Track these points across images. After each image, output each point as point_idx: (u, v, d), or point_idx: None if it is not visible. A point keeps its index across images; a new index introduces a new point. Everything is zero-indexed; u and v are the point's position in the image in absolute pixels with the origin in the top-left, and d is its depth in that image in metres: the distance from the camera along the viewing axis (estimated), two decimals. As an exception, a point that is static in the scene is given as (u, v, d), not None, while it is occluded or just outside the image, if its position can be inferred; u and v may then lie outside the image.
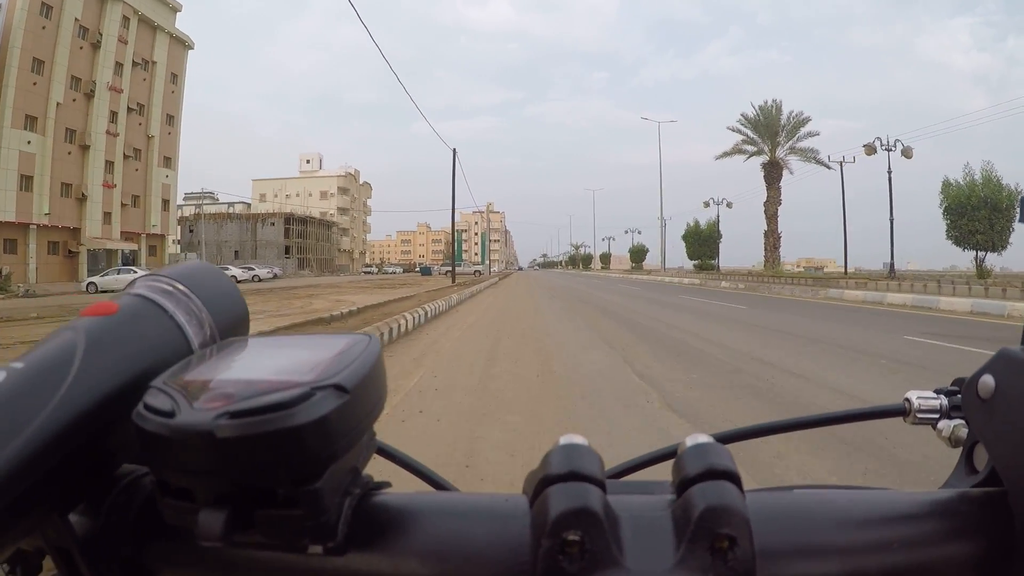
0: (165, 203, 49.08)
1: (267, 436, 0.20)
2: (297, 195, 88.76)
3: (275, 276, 51.28)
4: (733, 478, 0.23)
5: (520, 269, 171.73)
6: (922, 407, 0.35)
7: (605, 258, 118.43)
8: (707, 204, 48.40)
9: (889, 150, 26.68)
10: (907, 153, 26.57)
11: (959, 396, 0.34)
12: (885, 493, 0.28)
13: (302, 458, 0.21)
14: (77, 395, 0.23)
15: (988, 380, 0.29)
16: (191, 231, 70.62)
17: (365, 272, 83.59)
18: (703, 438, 0.25)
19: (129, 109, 44.22)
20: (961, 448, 0.33)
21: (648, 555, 0.22)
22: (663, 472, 0.28)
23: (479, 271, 60.98)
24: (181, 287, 0.30)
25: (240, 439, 0.20)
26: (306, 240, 73.58)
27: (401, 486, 0.27)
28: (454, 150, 28.09)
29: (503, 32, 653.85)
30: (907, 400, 0.36)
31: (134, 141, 45.17)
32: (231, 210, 74.82)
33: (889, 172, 26.31)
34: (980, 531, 0.26)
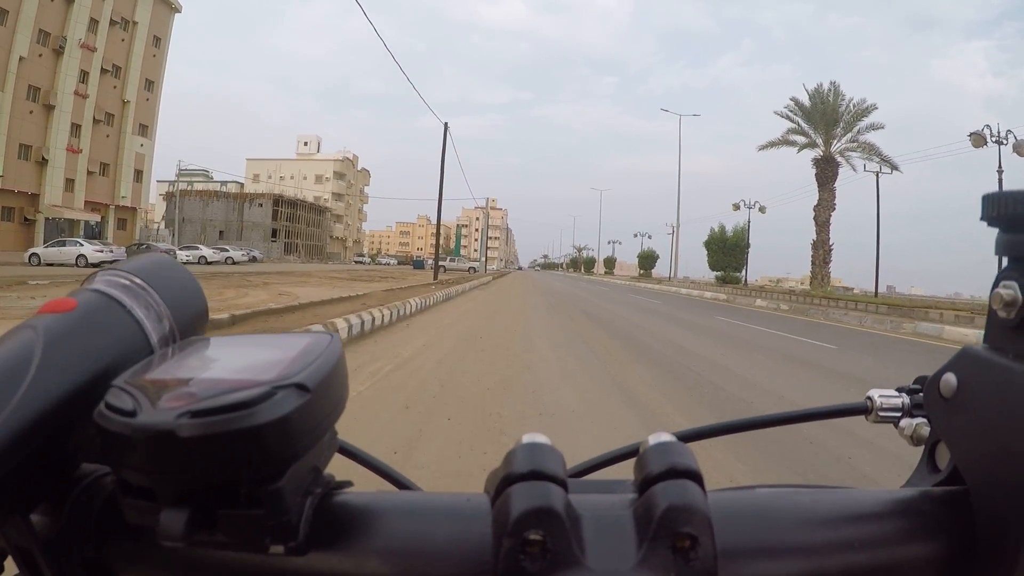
0: (139, 174, 45.64)
1: (229, 435, 0.20)
2: (291, 177, 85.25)
3: (253, 259, 47.84)
4: (695, 477, 0.23)
5: (519, 269, 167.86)
6: (884, 405, 0.35)
7: (610, 263, 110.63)
8: (737, 207, 41.20)
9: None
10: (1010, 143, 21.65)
11: (921, 395, 0.34)
12: (848, 492, 0.28)
13: (264, 457, 0.21)
14: (36, 395, 0.23)
15: (950, 378, 0.29)
16: (177, 208, 67.31)
17: (356, 262, 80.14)
18: (665, 437, 0.25)
19: (103, 70, 40.74)
20: (923, 447, 0.33)
21: (610, 554, 0.22)
22: (626, 471, 0.28)
23: (473, 268, 57.05)
24: (139, 281, 0.29)
25: (202, 438, 0.20)
26: (295, 224, 70.07)
27: (363, 485, 0.27)
28: (445, 124, 24.67)
29: (514, 31, 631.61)
30: (869, 398, 0.35)
31: (106, 104, 41.69)
32: (225, 188, 71.13)
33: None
34: (942, 530, 0.26)
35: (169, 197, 68.41)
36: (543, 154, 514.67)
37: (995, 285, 0.27)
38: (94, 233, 42.08)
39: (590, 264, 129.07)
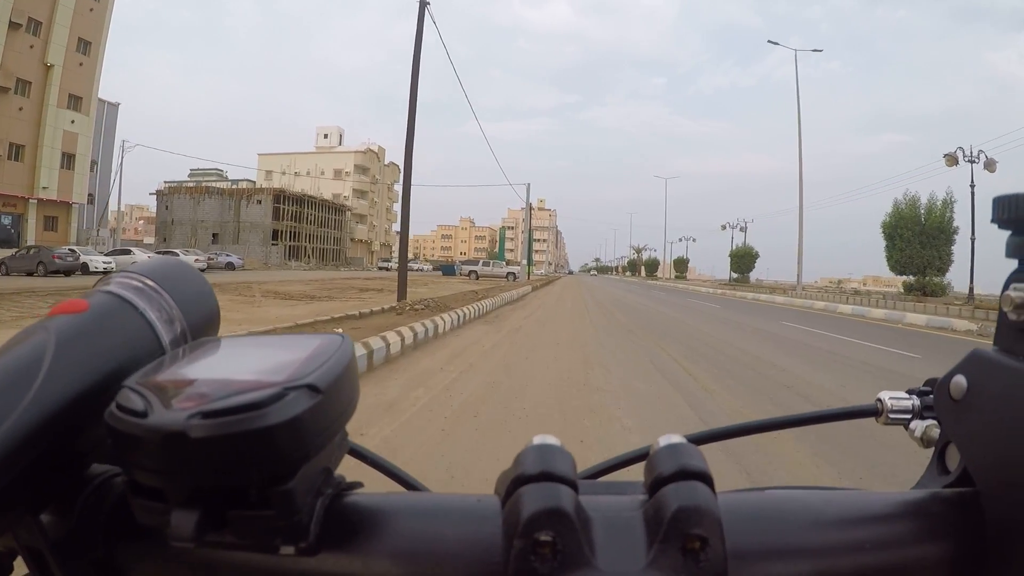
0: (69, 159, 35.41)
1: (240, 436, 0.20)
2: (307, 173, 75.12)
3: (229, 266, 37.05)
4: (705, 479, 0.23)
5: (570, 273, 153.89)
6: (894, 407, 0.35)
7: (681, 264, 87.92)
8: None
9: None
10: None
11: (931, 396, 0.34)
12: (858, 494, 0.28)
13: (275, 458, 0.21)
14: (48, 395, 0.23)
15: (960, 380, 0.29)
16: (167, 208, 57.94)
17: (381, 267, 69.30)
18: (676, 438, 0.25)
19: (13, 24, 30.68)
20: (933, 448, 0.32)
21: (620, 556, 0.22)
22: (636, 474, 0.27)
23: (512, 274, 41.26)
24: (151, 283, 0.29)
25: (213, 439, 0.20)
26: (302, 224, 59.53)
27: (373, 487, 0.27)
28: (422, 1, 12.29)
29: (560, 34, 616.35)
30: (879, 400, 0.35)
31: (19, 68, 31.62)
32: (235, 185, 61.10)
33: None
34: (952, 531, 0.26)
35: (159, 196, 59.16)
36: (592, 157, 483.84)
37: (1005, 287, 0.27)
38: (8, 235, 31.96)
39: (653, 267, 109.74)
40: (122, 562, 0.26)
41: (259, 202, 56.66)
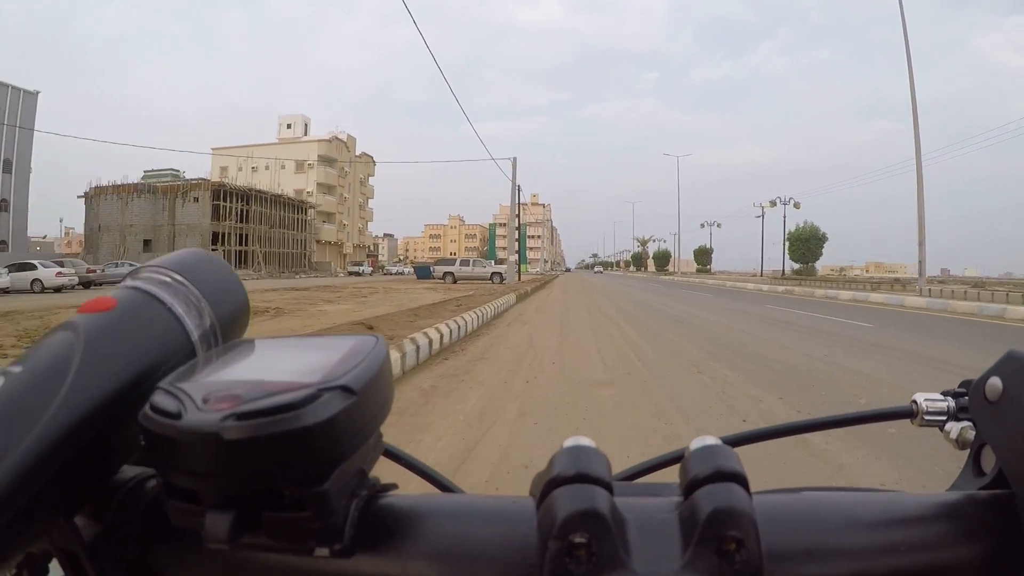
0: None
1: (274, 438, 0.20)
2: (266, 168, 65.94)
3: (74, 285, 24.76)
4: (740, 480, 0.23)
5: (567, 270, 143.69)
6: (929, 409, 0.35)
7: (702, 255, 71.77)
8: None
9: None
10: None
11: (966, 398, 0.33)
12: (892, 495, 0.28)
13: (309, 460, 0.21)
14: (78, 397, 0.23)
15: (996, 382, 0.28)
16: (95, 212, 48.98)
17: (352, 272, 60.38)
18: (710, 440, 0.25)
19: None
20: (968, 450, 0.32)
21: (655, 557, 0.22)
22: (671, 476, 0.27)
23: (499, 275, 32.52)
24: (179, 277, 0.29)
25: (247, 441, 0.20)
26: (251, 225, 50.62)
27: (408, 488, 0.27)
28: None
29: (553, 31, 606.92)
30: (914, 402, 0.35)
31: None
32: (194, 184, 51.31)
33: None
34: (988, 533, 0.26)
35: (86, 199, 50.17)
36: (587, 154, 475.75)
37: None
38: None
39: (663, 259, 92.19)
40: (156, 564, 0.26)
41: (196, 200, 47.78)
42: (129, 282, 0.29)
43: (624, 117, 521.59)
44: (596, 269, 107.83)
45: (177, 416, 0.21)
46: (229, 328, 0.30)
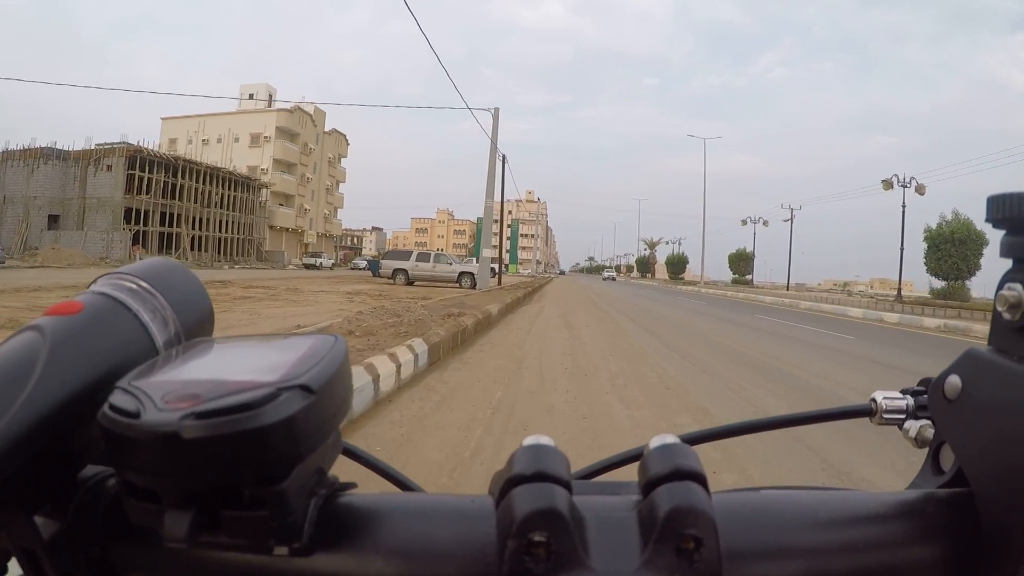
0: None
1: (233, 437, 0.20)
2: (218, 141, 58.25)
3: None
4: (699, 479, 0.23)
5: (562, 273, 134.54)
6: (888, 407, 0.35)
7: (740, 261, 54.38)
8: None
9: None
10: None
11: (925, 396, 0.34)
12: (852, 494, 0.28)
13: (268, 459, 0.21)
14: (41, 396, 0.23)
15: (954, 380, 0.29)
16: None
17: (307, 265, 52.70)
18: (669, 439, 0.25)
19: None
20: (927, 448, 0.33)
21: (614, 556, 0.22)
22: (630, 475, 0.27)
23: (469, 274, 23.88)
24: (145, 285, 0.30)
25: (206, 440, 0.20)
26: (176, 201, 42.99)
27: (367, 487, 0.27)
28: None
29: (553, 32, 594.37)
30: (873, 400, 0.35)
31: None
32: (107, 150, 42.60)
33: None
34: (947, 532, 0.26)
35: (-11, 164, 42.35)
36: (584, 157, 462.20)
37: (999, 287, 0.27)
38: None
39: (679, 265, 72.41)
40: (116, 562, 0.26)
41: (109, 167, 40.16)
42: (96, 287, 0.29)
43: (621, 120, 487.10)
44: (606, 274, 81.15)
45: (136, 415, 0.21)
46: (193, 336, 0.31)
